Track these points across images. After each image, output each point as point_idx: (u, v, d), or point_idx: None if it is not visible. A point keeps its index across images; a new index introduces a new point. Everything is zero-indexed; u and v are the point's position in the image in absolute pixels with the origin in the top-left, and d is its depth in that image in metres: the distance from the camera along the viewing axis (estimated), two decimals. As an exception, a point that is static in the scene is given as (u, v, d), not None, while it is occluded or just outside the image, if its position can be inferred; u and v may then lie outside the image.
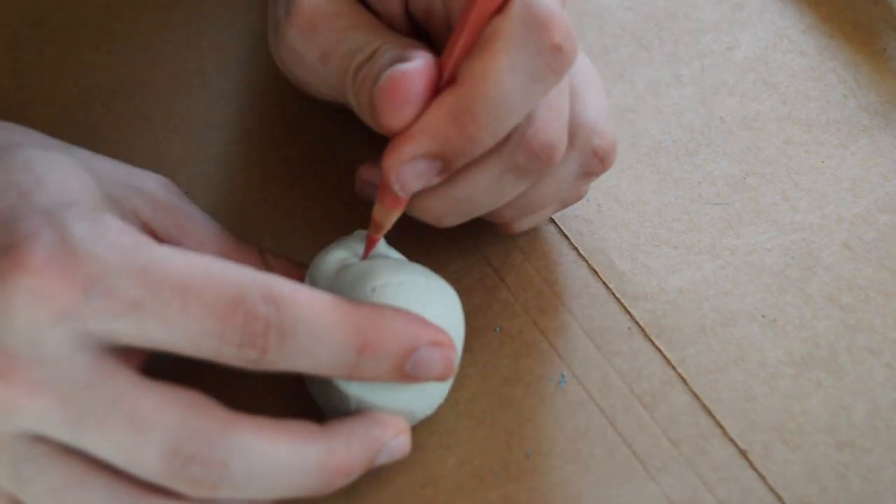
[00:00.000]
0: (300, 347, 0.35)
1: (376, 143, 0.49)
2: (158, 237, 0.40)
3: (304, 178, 0.48)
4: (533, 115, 0.38)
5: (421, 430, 0.41)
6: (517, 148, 0.38)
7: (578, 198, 0.44)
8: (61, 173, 0.37)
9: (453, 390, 0.42)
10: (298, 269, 0.43)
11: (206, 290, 0.34)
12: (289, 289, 0.35)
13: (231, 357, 0.34)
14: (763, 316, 0.44)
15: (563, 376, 0.42)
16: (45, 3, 0.54)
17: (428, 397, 0.40)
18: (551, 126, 0.38)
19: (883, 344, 0.43)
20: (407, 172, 0.38)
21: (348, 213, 0.47)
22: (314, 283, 0.40)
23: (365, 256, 0.41)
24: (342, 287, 0.39)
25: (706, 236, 0.46)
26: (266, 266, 0.42)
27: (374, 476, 0.40)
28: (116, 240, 0.35)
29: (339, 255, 0.41)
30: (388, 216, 0.39)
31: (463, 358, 0.43)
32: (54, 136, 0.41)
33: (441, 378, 0.37)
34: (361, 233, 0.42)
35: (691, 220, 0.47)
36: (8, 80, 0.51)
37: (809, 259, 0.45)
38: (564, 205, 0.44)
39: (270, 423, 0.35)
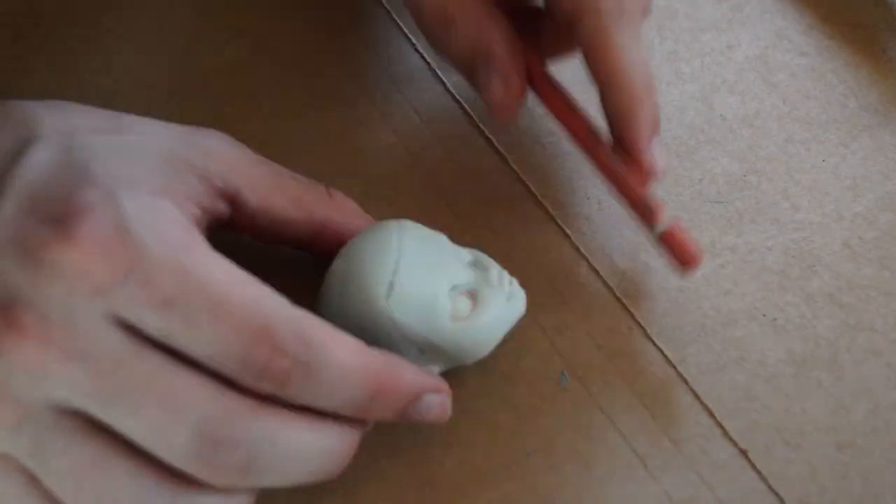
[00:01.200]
0: (320, 389, 0.35)
1: (380, 143, 0.49)
2: (218, 187, 0.40)
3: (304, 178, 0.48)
4: None
5: (421, 428, 0.41)
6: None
7: None
8: (117, 153, 0.37)
9: (454, 388, 0.41)
10: (362, 216, 0.43)
11: (240, 312, 0.34)
12: (319, 332, 0.35)
13: (247, 382, 0.34)
14: (763, 315, 0.44)
15: (563, 375, 0.42)
16: (45, 1, 0.54)
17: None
18: None
19: (883, 343, 0.43)
20: (655, 148, 0.44)
21: (349, 212, 0.47)
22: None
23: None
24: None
25: (706, 235, 0.46)
26: (332, 201, 0.43)
27: (375, 475, 0.40)
28: (167, 232, 0.35)
29: (447, 284, 0.41)
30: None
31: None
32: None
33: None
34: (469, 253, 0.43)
35: (692, 218, 0.47)
36: (8, 80, 0.51)
37: (810, 258, 0.45)
38: None
39: (293, 411, 0.35)
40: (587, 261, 0.46)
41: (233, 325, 0.34)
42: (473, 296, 0.40)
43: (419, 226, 0.41)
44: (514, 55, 0.44)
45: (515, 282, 0.42)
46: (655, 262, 0.45)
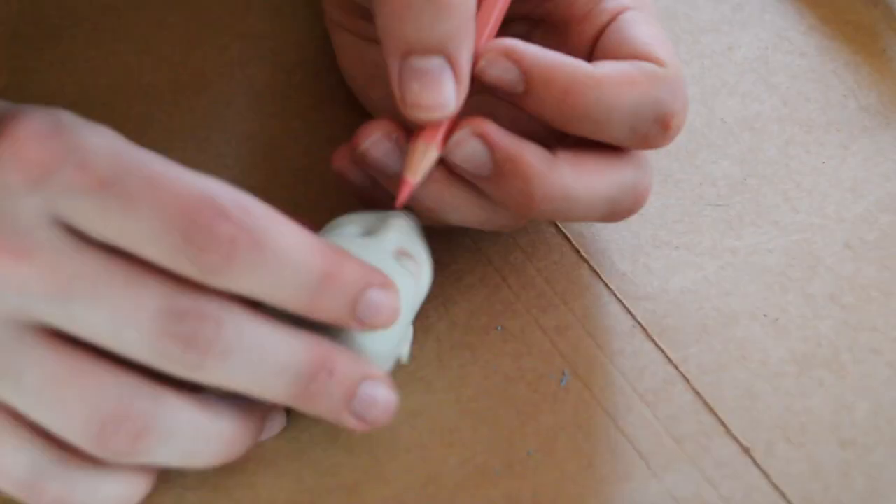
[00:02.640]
0: (267, 264, 0.34)
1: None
2: None
3: (305, 179, 0.48)
4: (646, 166, 0.42)
5: (422, 427, 0.41)
6: (629, 195, 0.41)
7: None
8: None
9: (455, 387, 0.42)
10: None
11: (179, 185, 0.34)
12: (262, 208, 0.35)
13: (191, 260, 0.34)
14: (765, 315, 0.44)
15: (564, 375, 0.42)
16: (45, 1, 0.54)
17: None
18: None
19: (884, 343, 0.43)
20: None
21: (349, 213, 0.47)
22: None
23: (399, 205, 0.39)
24: None
25: (707, 237, 0.46)
26: None
27: (376, 474, 0.40)
28: (104, 131, 0.35)
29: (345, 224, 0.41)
30: (431, 157, 0.39)
31: (464, 356, 0.43)
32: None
33: (384, 323, 0.37)
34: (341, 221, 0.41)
35: (692, 221, 0.47)
36: (8, 79, 0.51)
37: (811, 259, 0.45)
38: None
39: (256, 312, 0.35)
40: (588, 262, 0.45)
41: (172, 197, 0.33)
42: None
43: (354, 219, 0.41)
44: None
45: (421, 258, 0.40)
46: (656, 263, 0.45)
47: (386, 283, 0.37)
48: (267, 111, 0.50)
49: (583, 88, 0.38)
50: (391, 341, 0.39)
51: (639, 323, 0.44)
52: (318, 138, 0.49)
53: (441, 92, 0.37)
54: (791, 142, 0.49)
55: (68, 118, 0.35)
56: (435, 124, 0.38)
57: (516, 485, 0.40)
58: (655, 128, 0.39)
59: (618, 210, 0.41)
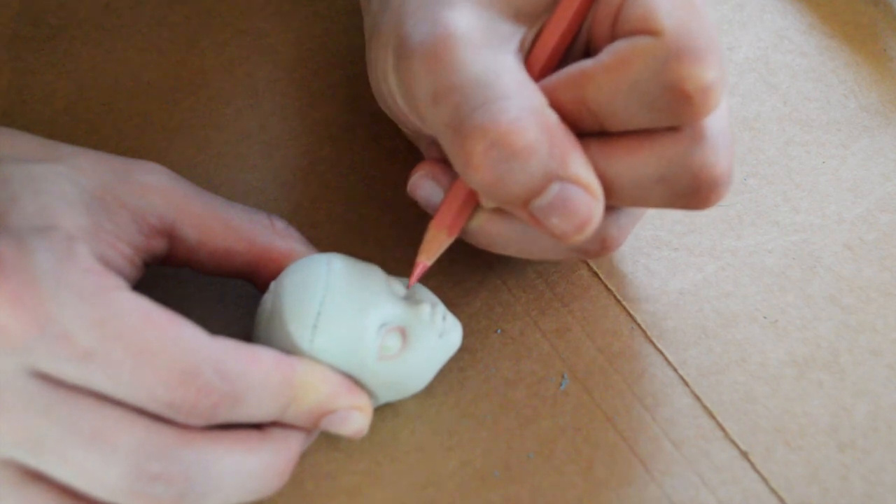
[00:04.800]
0: (244, 410, 0.36)
1: (382, 143, 0.49)
2: (152, 224, 0.39)
3: (305, 179, 0.48)
4: (706, 141, 0.36)
5: (422, 430, 0.41)
6: (683, 172, 0.37)
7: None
8: (39, 192, 0.37)
9: (455, 391, 0.42)
10: (304, 245, 0.42)
11: (161, 359, 0.34)
12: (239, 361, 0.35)
13: (176, 418, 0.35)
14: (764, 317, 0.44)
15: (564, 378, 0.42)
16: (45, 1, 0.53)
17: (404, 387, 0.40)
18: (725, 160, 0.37)
19: (884, 345, 0.43)
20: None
21: (350, 213, 0.47)
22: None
23: (410, 284, 0.40)
24: None
25: (707, 238, 0.46)
26: (273, 229, 0.42)
27: (376, 476, 0.40)
28: (80, 281, 0.34)
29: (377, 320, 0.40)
30: (443, 242, 0.40)
31: (464, 359, 0.43)
32: (54, 137, 0.41)
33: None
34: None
35: (692, 221, 0.47)
36: (8, 79, 0.51)
37: (810, 260, 0.45)
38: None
39: (223, 434, 0.36)
40: (587, 264, 0.45)
41: (155, 373, 0.34)
42: (403, 332, 0.39)
43: (350, 259, 0.40)
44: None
45: (451, 316, 0.41)
46: (656, 264, 0.45)
47: (354, 405, 0.38)
48: (267, 110, 0.50)
49: (578, 88, 0.36)
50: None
51: (638, 325, 0.44)
52: (319, 137, 0.49)
53: (578, 211, 0.36)
54: (791, 142, 0.49)
55: (43, 264, 0.34)
56: (442, 209, 0.39)
57: (515, 488, 0.40)
58: (673, 101, 0.35)
59: (679, 191, 0.37)
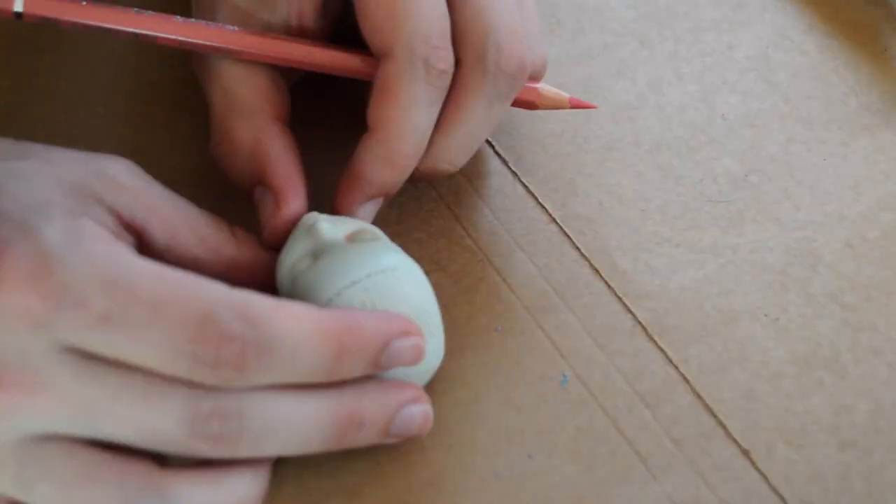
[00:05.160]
0: (279, 363, 0.35)
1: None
2: (125, 221, 0.39)
3: (304, 178, 0.48)
4: (497, 40, 0.42)
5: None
6: (496, 77, 0.42)
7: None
8: (23, 179, 0.37)
9: (454, 390, 0.42)
10: (266, 252, 0.42)
11: (177, 309, 0.34)
12: (264, 304, 0.35)
13: (207, 376, 0.35)
14: (765, 315, 0.44)
15: (564, 376, 0.42)
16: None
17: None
18: (517, 47, 0.42)
19: (885, 343, 0.43)
20: (360, 213, 0.43)
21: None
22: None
23: None
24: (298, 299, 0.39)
25: (708, 235, 0.46)
26: (236, 240, 0.42)
27: (376, 476, 0.40)
28: (90, 248, 0.35)
29: (288, 262, 0.41)
30: None
31: (464, 357, 0.43)
32: (54, 137, 0.41)
33: (412, 363, 0.38)
34: (308, 219, 0.42)
35: (693, 218, 0.47)
36: (8, 79, 0.51)
37: (811, 258, 0.45)
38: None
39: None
40: (588, 261, 0.45)
41: (173, 323, 0.34)
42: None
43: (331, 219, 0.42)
44: (290, 177, 0.43)
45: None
46: (657, 261, 0.45)
47: (405, 330, 0.38)
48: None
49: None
50: (430, 358, 0.40)
51: (639, 322, 0.44)
52: (318, 137, 0.49)
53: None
54: (792, 139, 0.49)
55: (49, 238, 0.35)
56: None
57: (515, 487, 0.40)
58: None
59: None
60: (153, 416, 0.34)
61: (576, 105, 0.46)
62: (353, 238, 0.41)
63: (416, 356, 0.38)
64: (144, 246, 0.40)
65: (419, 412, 0.39)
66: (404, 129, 0.42)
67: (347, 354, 0.37)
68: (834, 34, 0.52)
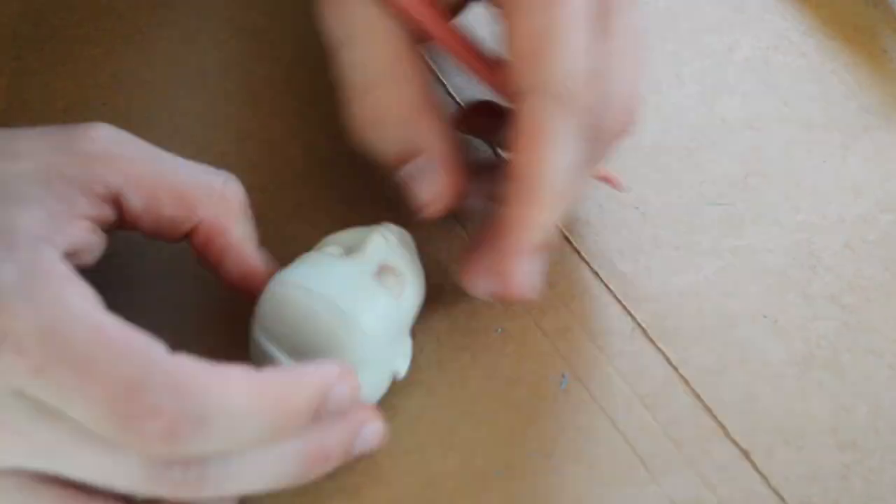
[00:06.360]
0: (217, 434, 0.33)
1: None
2: (100, 193, 0.38)
3: (304, 178, 0.48)
4: (621, 97, 0.39)
5: (422, 430, 0.41)
6: (602, 131, 0.39)
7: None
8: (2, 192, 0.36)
9: (455, 390, 0.42)
10: (244, 224, 0.41)
11: (107, 373, 0.32)
12: (197, 374, 0.33)
13: (137, 446, 0.33)
14: (765, 317, 0.44)
15: (564, 377, 0.42)
16: (45, 2, 0.53)
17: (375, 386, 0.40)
18: (631, 108, 0.40)
19: (885, 344, 0.43)
20: (526, 273, 0.40)
21: (349, 212, 0.47)
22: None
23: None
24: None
25: (708, 237, 0.46)
26: (222, 200, 0.41)
27: (376, 476, 0.40)
28: (40, 292, 0.33)
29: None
30: None
31: (465, 358, 0.43)
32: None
33: (351, 405, 0.37)
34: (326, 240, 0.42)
35: (693, 220, 0.47)
36: (8, 79, 0.51)
37: (811, 259, 0.45)
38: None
39: None
40: (588, 264, 0.45)
41: (102, 388, 0.32)
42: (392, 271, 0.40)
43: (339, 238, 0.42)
44: (449, 158, 0.41)
45: (408, 271, 0.41)
46: (657, 263, 0.45)
47: (340, 376, 0.36)
48: (266, 109, 0.50)
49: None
50: (382, 368, 0.40)
51: (639, 325, 0.44)
52: (318, 136, 0.49)
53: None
54: (792, 141, 0.49)
55: (3, 277, 0.33)
56: None
57: (516, 487, 0.40)
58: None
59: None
60: (111, 462, 0.34)
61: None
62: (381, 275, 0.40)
63: (353, 397, 0.36)
64: (123, 209, 0.39)
65: (373, 431, 0.38)
66: (556, 171, 0.38)
67: (286, 418, 0.35)
68: (834, 36, 0.52)
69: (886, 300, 0.44)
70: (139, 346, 0.33)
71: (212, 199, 0.40)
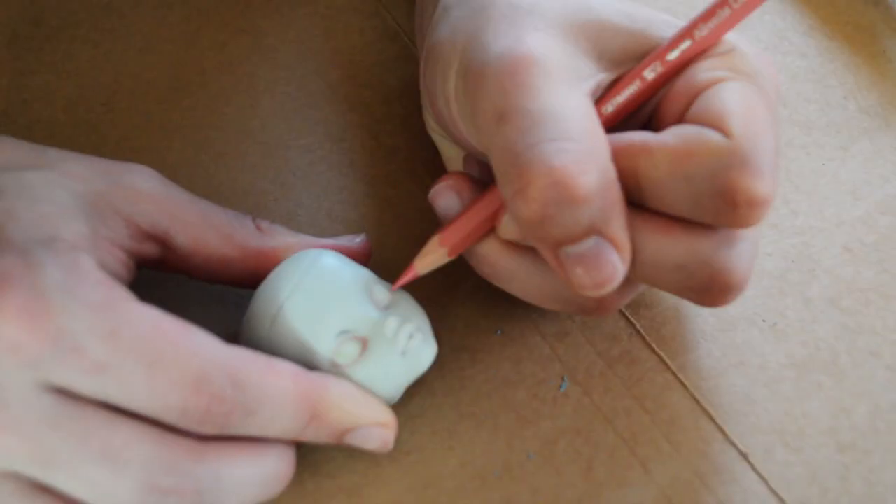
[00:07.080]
0: (258, 422, 0.36)
1: (382, 143, 0.49)
2: (145, 230, 0.39)
3: (304, 178, 0.48)
4: (735, 247, 0.37)
5: (422, 430, 0.41)
6: (703, 269, 0.37)
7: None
8: (35, 200, 0.37)
9: (455, 392, 0.42)
10: (293, 236, 0.42)
11: (173, 367, 0.34)
12: (253, 370, 0.36)
13: (188, 427, 0.35)
14: (763, 320, 0.44)
15: (563, 381, 0.42)
16: (45, 2, 0.53)
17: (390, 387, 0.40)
18: (745, 269, 0.37)
19: (883, 346, 0.43)
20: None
21: (349, 213, 0.47)
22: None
23: (395, 287, 0.40)
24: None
25: (706, 238, 0.46)
26: (261, 232, 0.42)
27: (376, 477, 0.40)
28: (90, 293, 0.34)
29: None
30: (440, 259, 0.40)
31: (464, 359, 0.43)
32: (54, 137, 0.41)
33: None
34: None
35: (691, 222, 0.47)
36: (8, 79, 0.51)
37: (810, 262, 0.45)
38: None
39: (230, 445, 0.36)
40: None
41: (168, 381, 0.34)
42: (364, 343, 0.39)
43: (342, 259, 0.40)
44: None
45: (422, 336, 0.40)
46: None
47: (380, 423, 0.38)
48: (267, 109, 0.50)
49: (634, 158, 0.36)
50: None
51: (637, 330, 0.44)
52: (319, 137, 0.49)
53: (604, 269, 0.35)
54: (790, 143, 0.49)
55: (50, 277, 0.34)
56: (452, 226, 0.39)
57: (515, 488, 0.40)
58: (720, 204, 0.35)
59: (692, 284, 0.37)
60: (109, 479, 0.34)
61: None
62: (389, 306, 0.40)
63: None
64: (170, 251, 0.40)
65: (381, 435, 0.39)
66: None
67: (316, 422, 0.37)
68: (833, 37, 0.52)
69: (885, 302, 0.44)
70: (200, 340, 0.35)
71: (254, 233, 0.41)
